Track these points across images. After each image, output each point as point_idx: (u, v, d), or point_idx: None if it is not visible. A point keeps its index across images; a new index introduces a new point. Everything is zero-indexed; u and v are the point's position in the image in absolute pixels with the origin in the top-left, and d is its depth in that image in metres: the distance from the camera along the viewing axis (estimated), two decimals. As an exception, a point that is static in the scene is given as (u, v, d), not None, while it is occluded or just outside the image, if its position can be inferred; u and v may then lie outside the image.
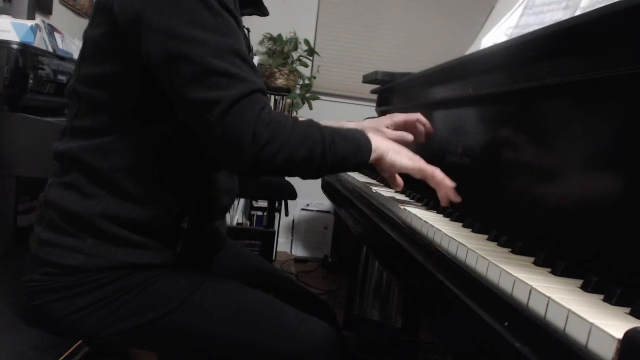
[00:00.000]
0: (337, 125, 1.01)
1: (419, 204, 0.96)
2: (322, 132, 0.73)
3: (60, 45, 1.63)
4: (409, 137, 0.98)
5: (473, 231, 0.73)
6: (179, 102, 0.69)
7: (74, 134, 0.79)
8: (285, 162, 0.69)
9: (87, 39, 0.78)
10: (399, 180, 0.85)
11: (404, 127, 1.01)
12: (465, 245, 0.60)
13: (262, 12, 0.97)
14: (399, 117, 1.01)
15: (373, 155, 0.79)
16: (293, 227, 3.13)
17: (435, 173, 0.81)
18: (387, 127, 1.00)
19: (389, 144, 0.82)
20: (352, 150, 0.76)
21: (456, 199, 0.81)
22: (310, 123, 0.74)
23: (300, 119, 1.02)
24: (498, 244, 0.64)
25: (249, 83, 0.68)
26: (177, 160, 0.79)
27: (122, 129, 0.76)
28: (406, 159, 0.82)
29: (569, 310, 0.40)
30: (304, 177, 0.77)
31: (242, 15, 0.89)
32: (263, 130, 0.67)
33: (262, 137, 0.67)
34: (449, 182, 0.81)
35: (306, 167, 0.72)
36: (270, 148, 0.67)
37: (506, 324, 0.47)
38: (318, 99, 2.87)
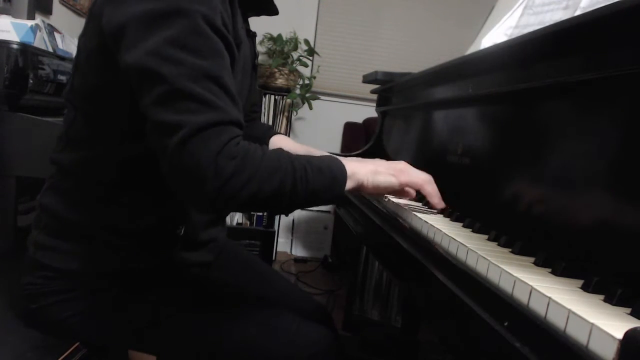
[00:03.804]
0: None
1: (420, 204, 0.95)
2: (294, 164, 0.67)
3: (60, 45, 1.63)
4: None
5: (473, 231, 0.73)
6: (148, 122, 0.64)
7: (68, 144, 0.78)
8: (251, 198, 0.63)
9: (80, 47, 0.76)
10: (411, 193, 0.81)
11: None
12: (465, 246, 0.60)
13: (272, 11, 0.92)
14: None
15: (350, 184, 0.73)
16: (293, 227, 3.13)
17: (425, 188, 0.78)
18: None
19: (365, 166, 0.75)
20: (326, 182, 0.69)
21: (440, 205, 0.80)
22: (280, 155, 0.67)
23: (273, 147, 0.94)
24: (498, 244, 0.64)
25: (221, 112, 0.62)
26: None
27: (114, 142, 0.75)
28: (390, 177, 0.76)
29: (570, 311, 0.40)
30: (274, 213, 0.73)
31: (249, 17, 0.87)
32: (226, 163, 0.61)
33: (225, 171, 0.60)
34: (434, 199, 0.79)
35: (275, 202, 0.66)
36: (234, 183, 0.61)
37: (506, 324, 0.47)
38: (318, 99, 2.87)
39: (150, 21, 0.62)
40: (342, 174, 0.71)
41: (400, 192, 0.80)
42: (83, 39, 0.75)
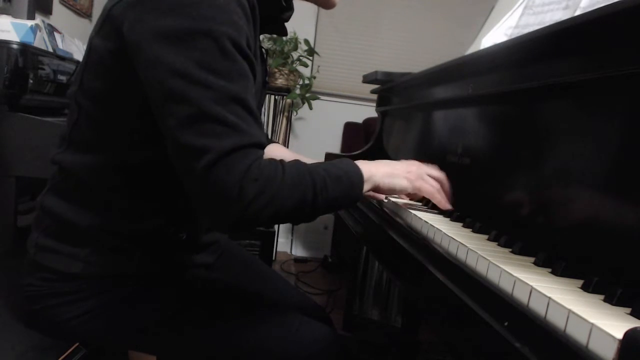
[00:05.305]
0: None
1: (419, 204, 0.96)
2: (313, 177, 0.68)
3: (60, 45, 1.63)
4: None
5: (473, 231, 0.73)
6: (170, 142, 0.64)
7: (70, 145, 0.77)
8: (274, 215, 0.65)
9: (92, 47, 0.73)
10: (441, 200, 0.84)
11: None
12: (465, 246, 0.60)
13: (283, 32, 0.92)
14: None
15: (367, 186, 0.76)
16: (293, 227, 3.13)
17: (435, 197, 0.82)
18: None
19: (381, 168, 0.78)
20: (345, 190, 0.71)
21: (447, 206, 0.83)
22: (300, 169, 0.68)
23: (292, 158, 0.97)
24: (498, 244, 0.64)
25: (245, 136, 0.63)
26: (173, 179, 0.72)
27: (118, 148, 0.74)
28: (403, 181, 0.80)
29: (570, 311, 0.40)
30: (296, 223, 0.74)
31: (262, 33, 0.87)
32: (250, 186, 0.62)
33: (249, 194, 0.61)
34: (445, 205, 0.82)
35: (297, 215, 0.69)
36: (257, 204, 0.62)
37: (506, 324, 0.47)
38: (318, 99, 2.87)
39: (176, 39, 0.61)
40: (359, 179, 0.74)
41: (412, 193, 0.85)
42: (97, 39, 0.72)
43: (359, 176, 0.74)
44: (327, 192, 0.68)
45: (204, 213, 0.65)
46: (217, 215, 0.64)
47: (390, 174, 0.78)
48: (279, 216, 0.66)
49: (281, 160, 0.68)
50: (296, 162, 0.70)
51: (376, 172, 0.77)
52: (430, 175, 0.83)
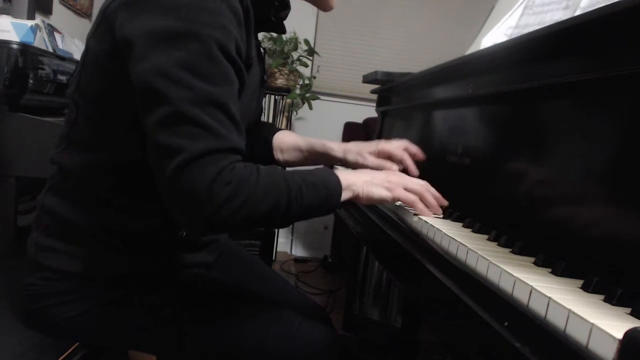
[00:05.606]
0: (319, 146, 1.01)
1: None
2: (288, 183, 0.67)
3: (60, 45, 1.63)
4: (392, 168, 0.93)
5: (473, 231, 0.73)
6: (148, 140, 0.64)
7: (69, 145, 0.77)
8: (246, 219, 0.64)
9: (89, 47, 0.74)
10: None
11: (389, 158, 0.96)
12: (465, 246, 0.60)
13: (281, 30, 0.92)
14: (385, 146, 0.96)
15: (346, 195, 0.74)
16: (293, 227, 3.13)
17: (417, 206, 0.78)
18: (371, 154, 0.97)
19: (360, 177, 0.76)
20: (321, 198, 0.71)
21: (437, 211, 0.80)
22: (275, 175, 0.68)
23: (278, 143, 0.99)
24: (498, 244, 0.64)
25: (222, 140, 0.63)
26: None
27: (116, 148, 0.75)
28: (383, 190, 0.77)
29: (570, 311, 0.40)
30: (269, 228, 0.72)
31: (261, 32, 0.87)
32: (221, 190, 0.61)
33: (220, 197, 0.61)
34: (428, 213, 0.79)
35: (270, 220, 0.68)
36: (229, 207, 0.62)
37: (506, 324, 0.47)
38: (318, 99, 2.87)
39: (164, 39, 0.62)
40: (336, 187, 0.73)
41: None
42: (93, 40, 0.73)
43: (336, 185, 0.73)
44: (302, 199, 0.68)
45: (174, 214, 0.65)
46: (187, 217, 0.64)
47: (369, 183, 0.76)
48: (252, 220, 0.65)
49: (257, 166, 0.68)
50: (273, 168, 0.70)
51: (355, 181, 0.75)
52: (410, 188, 0.79)
